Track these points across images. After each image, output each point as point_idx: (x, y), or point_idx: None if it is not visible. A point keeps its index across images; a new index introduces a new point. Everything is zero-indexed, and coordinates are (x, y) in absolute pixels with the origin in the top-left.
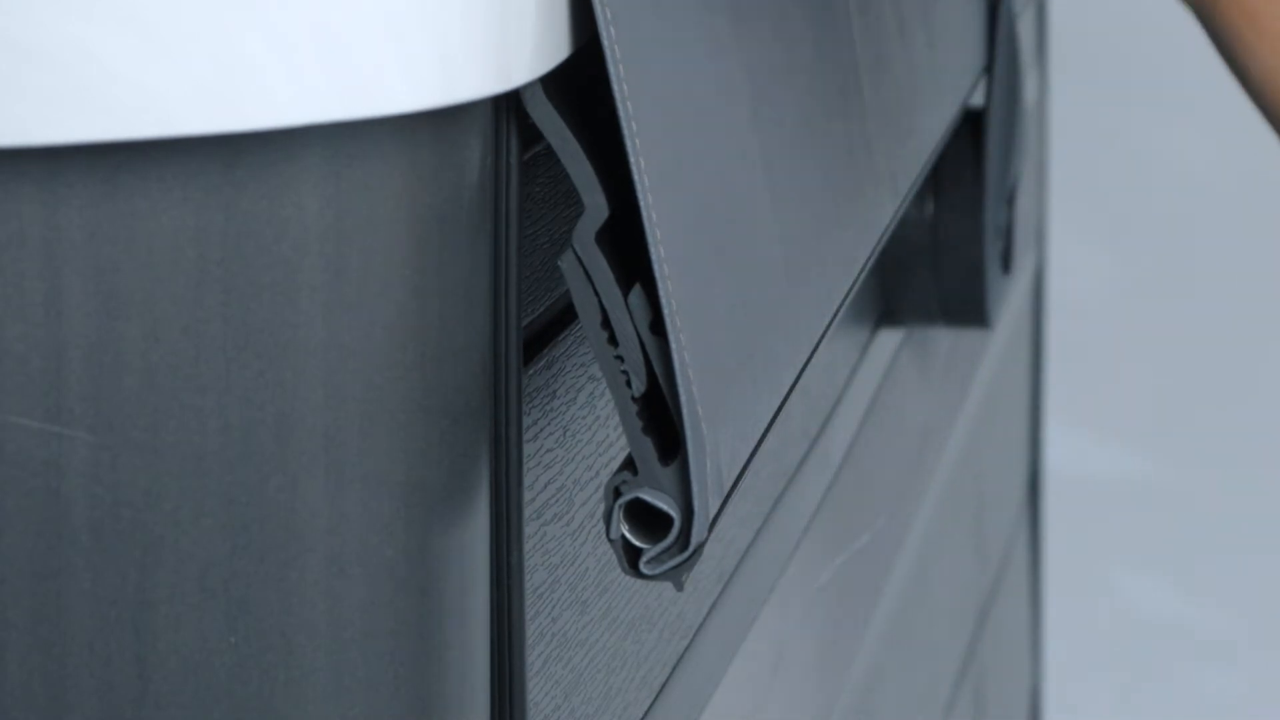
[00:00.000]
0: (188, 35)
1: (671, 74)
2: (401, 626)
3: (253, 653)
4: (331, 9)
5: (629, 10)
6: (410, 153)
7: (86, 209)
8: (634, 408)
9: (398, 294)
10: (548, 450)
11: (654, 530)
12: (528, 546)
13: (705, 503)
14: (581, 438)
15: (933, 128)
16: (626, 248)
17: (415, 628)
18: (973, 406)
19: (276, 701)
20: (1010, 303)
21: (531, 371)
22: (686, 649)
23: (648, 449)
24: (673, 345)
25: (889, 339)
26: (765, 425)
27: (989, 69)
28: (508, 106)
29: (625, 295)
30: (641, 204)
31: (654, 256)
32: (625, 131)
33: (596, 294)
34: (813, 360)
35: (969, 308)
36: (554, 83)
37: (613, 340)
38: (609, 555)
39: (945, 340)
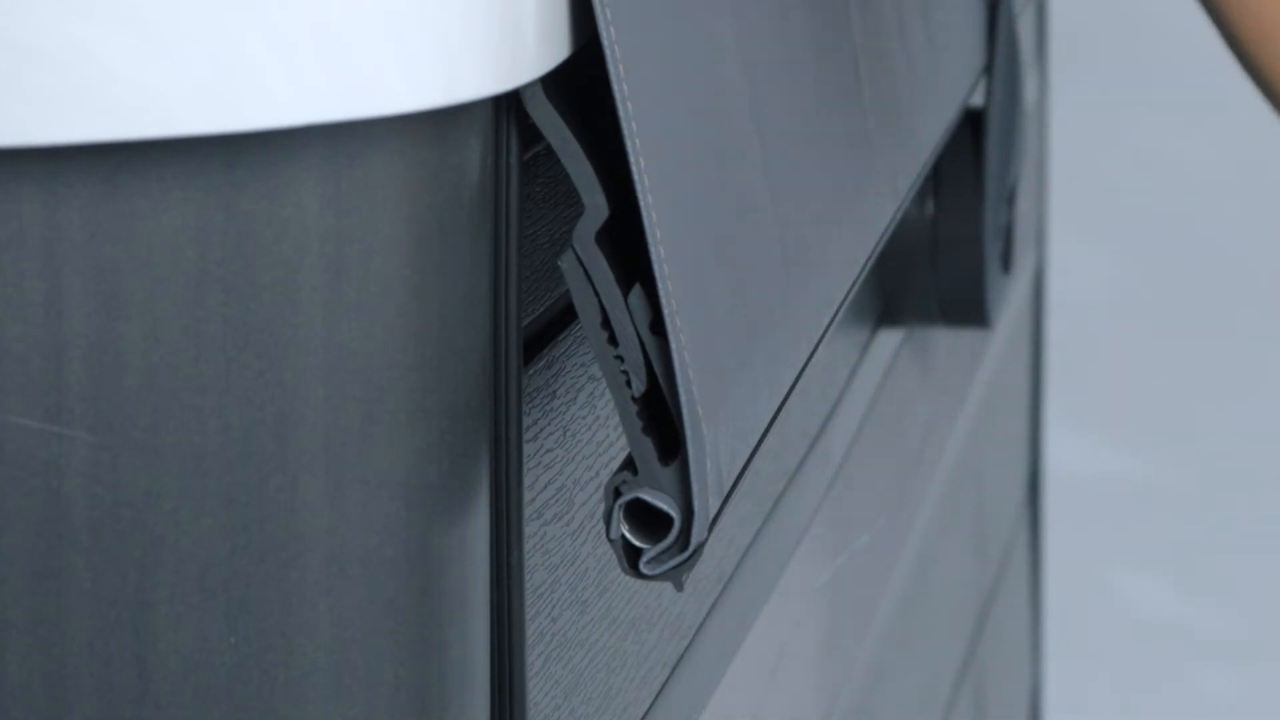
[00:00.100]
0: (188, 35)
1: (671, 74)
2: (401, 626)
3: (253, 653)
4: (331, 9)
5: (629, 10)
6: (410, 153)
7: (86, 209)
8: (634, 408)
9: (398, 294)
10: (548, 450)
11: (654, 530)
12: (528, 546)
13: (705, 503)
14: (581, 438)
15: (933, 128)
16: (626, 248)
17: (415, 628)
18: (973, 406)
19: (276, 701)
20: (1010, 303)
21: (531, 371)
22: (686, 649)
23: (648, 449)
24: (673, 345)
25: (889, 339)
26: (765, 425)
27: (989, 69)
28: (508, 106)
29: (625, 295)
30: (641, 204)
31: (654, 256)
32: (625, 131)
33: (596, 294)
34: (813, 360)
35: (969, 308)
36: (554, 83)
37: (613, 340)
38: (609, 555)
39: (945, 340)
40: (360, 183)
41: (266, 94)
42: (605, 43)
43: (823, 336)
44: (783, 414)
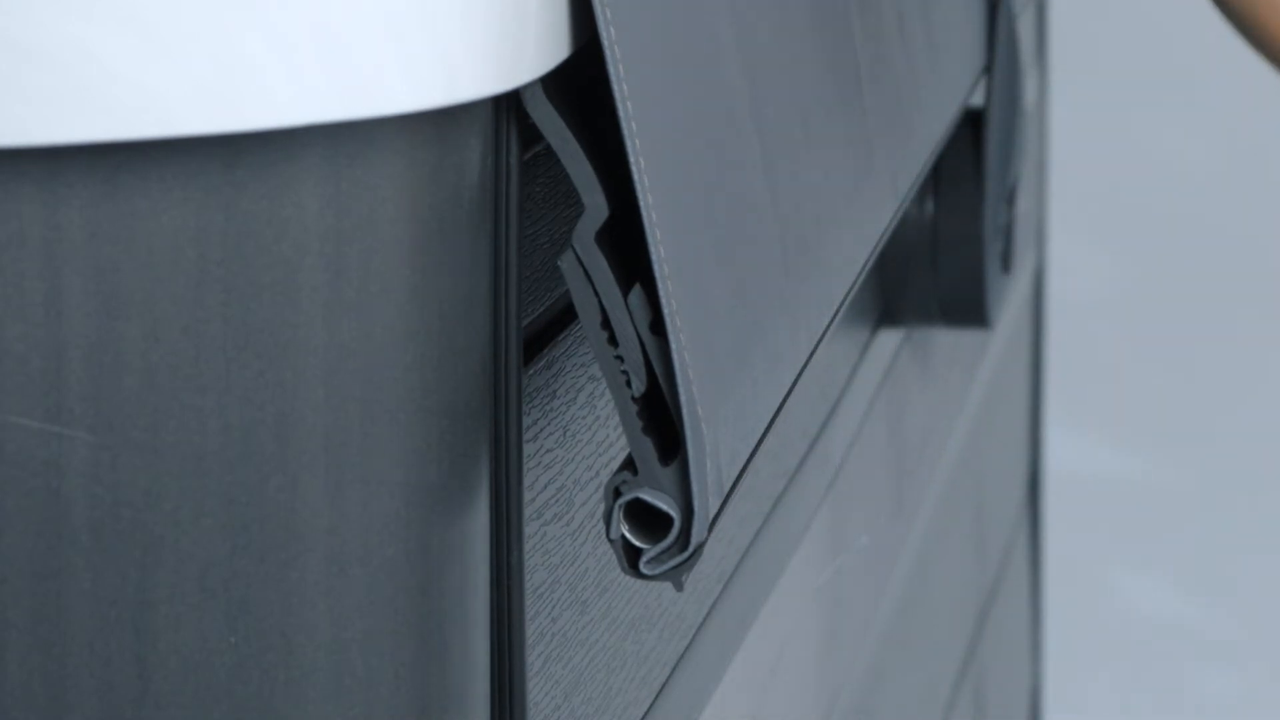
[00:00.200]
0: (188, 35)
1: (671, 74)
2: (401, 626)
3: (253, 653)
4: (331, 9)
5: (629, 10)
6: (410, 153)
7: (87, 209)
8: (634, 408)
9: (398, 294)
10: (548, 450)
11: (654, 530)
12: (528, 546)
13: (705, 503)
14: (581, 438)
15: (933, 128)
16: (626, 248)
17: (415, 628)
18: (973, 406)
19: (276, 701)
20: (1010, 303)
21: (531, 371)
22: (686, 649)
23: (648, 449)
24: (673, 345)
25: (889, 339)
26: (765, 425)
27: (989, 69)
28: (508, 106)
29: (625, 295)
30: (641, 204)
31: (654, 256)
32: (625, 131)
33: (596, 294)
34: (813, 360)
35: (969, 308)
36: (554, 83)
37: (613, 340)
38: (609, 555)
39: (945, 340)
40: (360, 183)
41: (266, 94)
42: (605, 43)
43: (823, 336)
44: (783, 414)
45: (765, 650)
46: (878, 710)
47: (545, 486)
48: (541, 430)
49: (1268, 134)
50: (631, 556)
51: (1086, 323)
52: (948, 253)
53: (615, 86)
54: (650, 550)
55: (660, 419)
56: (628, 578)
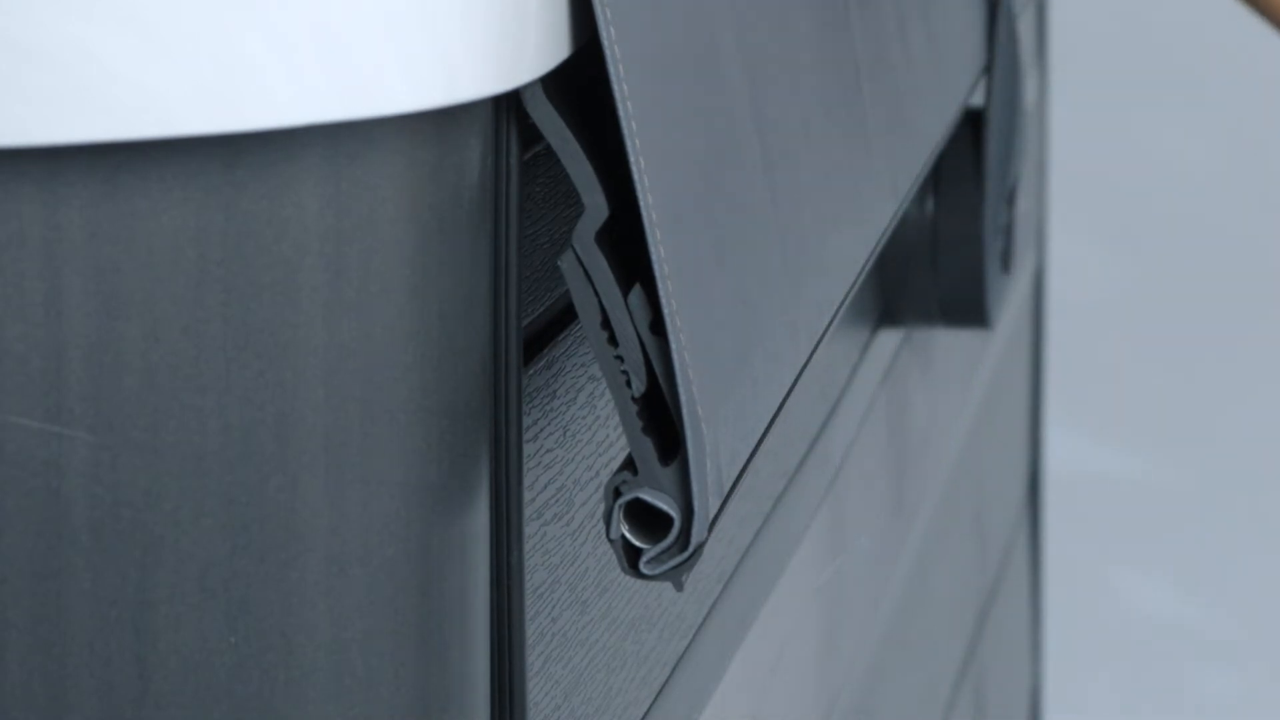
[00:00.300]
0: (188, 35)
1: (671, 74)
2: (401, 626)
3: (253, 653)
4: (331, 9)
5: (629, 10)
6: (410, 153)
7: (87, 209)
8: (634, 408)
9: (398, 294)
10: (548, 450)
11: (654, 530)
12: (528, 546)
13: (705, 503)
14: (581, 438)
15: (933, 128)
16: (626, 248)
17: (415, 628)
18: (973, 406)
19: (276, 701)
20: (1010, 303)
21: (531, 371)
22: (686, 649)
23: (648, 449)
24: (673, 345)
25: (889, 339)
26: (765, 425)
27: (989, 69)
28: (508, 106)
29: (625, 295)
30: (641, 204)
31: (654, 256)
32: (625, 131)
33: (596, 294)
34: (813, 360)
35: (969, 308)
36: (554, 83)
37: (613, 340)
38: (609, 555)
39: (945, 340)
40: (360, 183)
41: (266, 94)
42: (605, 43)
43: (823, 336)
44: (783, 414)
45: (765, 650)
46: (878, 710)
47: (545, 486)
48: (541, 430)
49: (1268, 134)
50: (631, 556)
51: (1086, 323)
52: (948, 253)
53: (615, 86)
54: (650, 550)
55: (660, 419)
56: (628, 578)
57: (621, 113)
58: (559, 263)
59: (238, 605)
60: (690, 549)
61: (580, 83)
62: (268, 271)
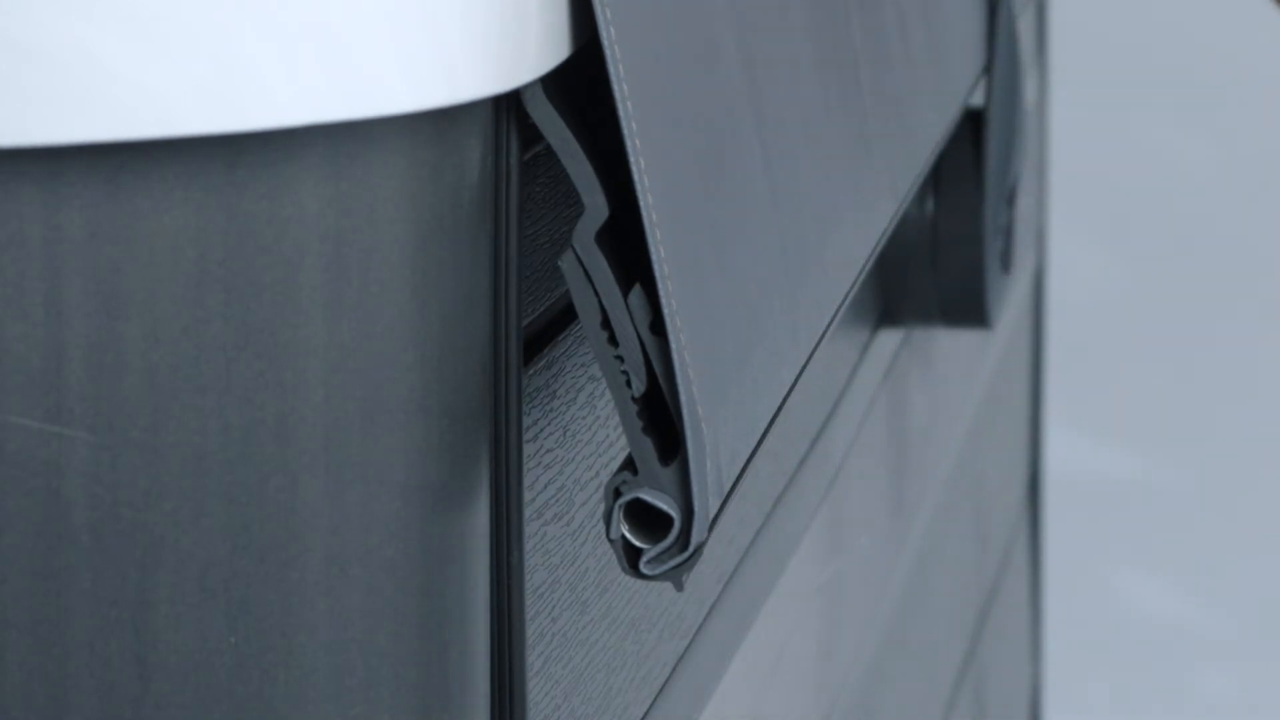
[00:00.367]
0: (188, 35)
1: (671, 74)
2: (401, 626)
3: (253, 653)
4: (331, 9)
5: (629, 10)
6: (410, 153)
7: (87, 209)
8: (634, 408)
9: (398, 294)
10: (548, 450)
11: (654, 530)
12: (528, 546)
13: (705, 503)
14: (581, 438)
15: (933, 128)
16: (626, 248)
17: (415, 628)
18: (973, 406)
19: (276, 701)
20: (1010, 303)
21: (531, 371)
22: (686, 649)
23: (648, 449)
24: (673, 345)
25: (889, 339)
26: (765, 425)
27: (989, 69)
28: (508, 106)
29: (625, 295)
30: (641, 204)
31: (654, 256)
32: (625, 131)
33: (596, 294)
34: (813, 360)
35: (969, 308)
36: (554, 83)
37: (613, 340)
38: (609, 555)
39: (945, 340)
40: (360, 183)
41: (266, 94)
42: (605, 43)
43: (823, 336)
44: (783, 414)
45: (765, 650)
46: (878, 710)
47: (545, 486)
48: (541, 430)
49: (1267, 134)
50: (631, 556)
51: (1086, 323)
52: (948, 253)
53: (615, 86)
54: (650, 550)
55: (660, 419)
56: (628, 578)
57: (621, 113)
58: (559, 263)
59: (238, 605)
60: (690, 549)
61: (580, 83)
62: (268, 271)
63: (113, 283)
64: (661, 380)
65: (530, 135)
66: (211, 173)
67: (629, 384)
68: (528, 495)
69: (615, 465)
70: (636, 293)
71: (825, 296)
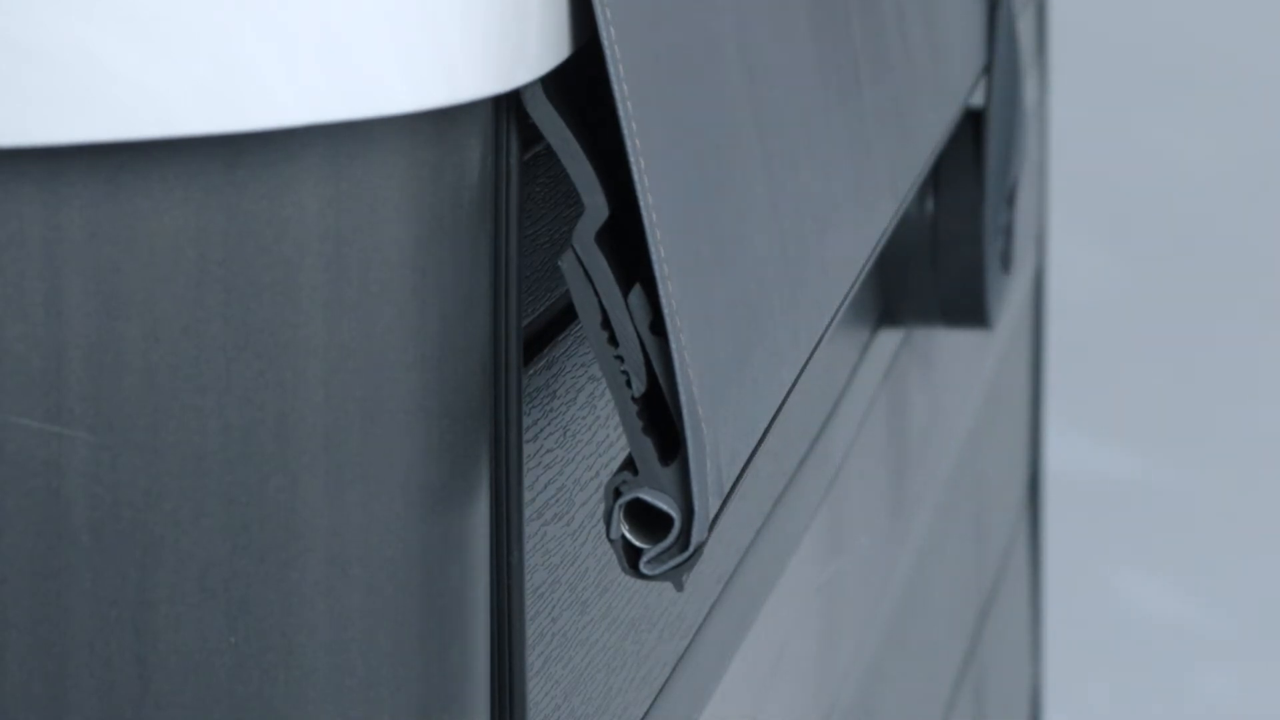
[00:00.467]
0: (188, 35)
1: (671, 74)
2: (401, 626)
3: (253, 653)
4: (331, 9)
5: (629, 10)
6: (410, 153)
7: (87, 209)
8: (634, 408)
9: (398, 294)
10: (548, 450)
11: (654, 530)
12: (528, 546)
13: (705, 503)
14: (581, 438)
15: (933, 128)
16: (626, 248)
17: (415, 628)
18: (973, 406)
19: (276, 701)
20: (1010, 303)
21: (531, 371)
22: (686, 649)
23: (648, 449)
24: (673, 345)
25: (889, 339)
26: (765, 425)
27: (989, 69)
28: (508, 106)
29: (625, 295)
30: (641, 204)
31: (654, 256)
32: (625, 131)
33: (596, 294)
34: (813, 360)
35: (969, 308)
36: (554, 83)
37: (613, 340)
38: (609, 555)
39: (945, 340)
40: (360, 183)
41: (267, 94)
42: (605, 43)
43: (823, 336)
44: (783, 414)
45: (765, 650)
46: (878, 710)
47: (545, 486)
48: (541, 430)
49: (1268, 134)
50: (632, 556)
51: (1086, 323)
52: (948, 253)
53: (615, 86)
54: (650, 550)
55: (660, 419)
56: (628, 578)
57: (621, 113)
58: (559, 263)
59: (238, 605)
60: (690, 549)
61: (580, 83)
62: (268, 271)
63: (113, 283)
64: (661, 380)
65: (530, 135)
66: (211, 173)
67: (629, 384)
68: (528, 495)
69: (615, 465)
70: (636, 293)
71: (825, 296)
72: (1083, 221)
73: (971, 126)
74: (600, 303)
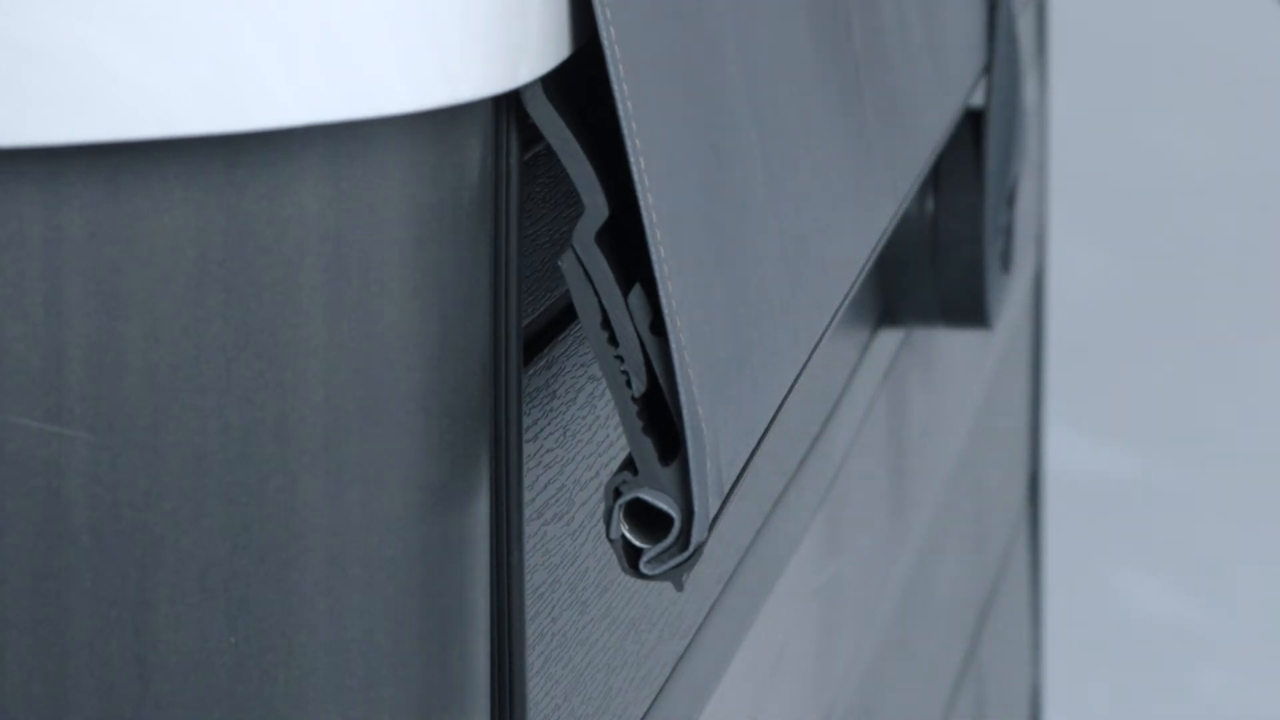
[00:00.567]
0: (188, 35)
1: (671, 74)
2: (401, 626)
3: (253, 653)
4: (332, 9)
5: (629, 10)
6: (411, 153)
7: (87, 209)
8: (634, 408)
9: (398, 294)
10: (548, 450)
11: (654, 530)
12: (528, 546)
13: (705, 503)
14: (581, 438)
15: (933, 128)
16: (626, 248)
17: (415, 628)
18: (973, 406)
19: (276, 701)
20: (1010, 303)
21: (531, 371)
22: (686, 649)
23: (648, 449)
24: (673, 345)
25: (889, 339)
26: (765, 425)
27: (989, 69)
28: (508, 106)
29: (625, 295)
30: (641, 204)
31: (654, 256)
32: (625, 131)
33: (596, 294)
34: (813, 360)
35: (969, 308)
36: (554, 83)
37: (613, 340)
38: (609, 555)
39: (945, 340)
40: (360, 183)
41: (266, 94)
42: (605, 43)
43: (823, 336)
44: (783, 414)
45: (765, 650)
46: (878, 710)
47: (545, 486)
48: (541, 430)
49: (1267, 134)
50: (632, 556)
51: (1086, 323)
52: (948, 253)
53: (615, 86)
54: (650, 550)
55: (660, 419)
56: (628, 578)
57: (621, 113)
58: (559, 263)
59: (238, 605)
60: (690, 549)
61: (580, 83)
62: (268, 271)
63: (113, 283)
64: (661, 380)
65: (530, 135)
66: (211, 173)
67: (629, 384)
68: (528, 495)
69: (615, 465)
70: (636, 293)
71: (825, 296)
72: (1083, 221)
73: (971, 126)
74: (600, 303)
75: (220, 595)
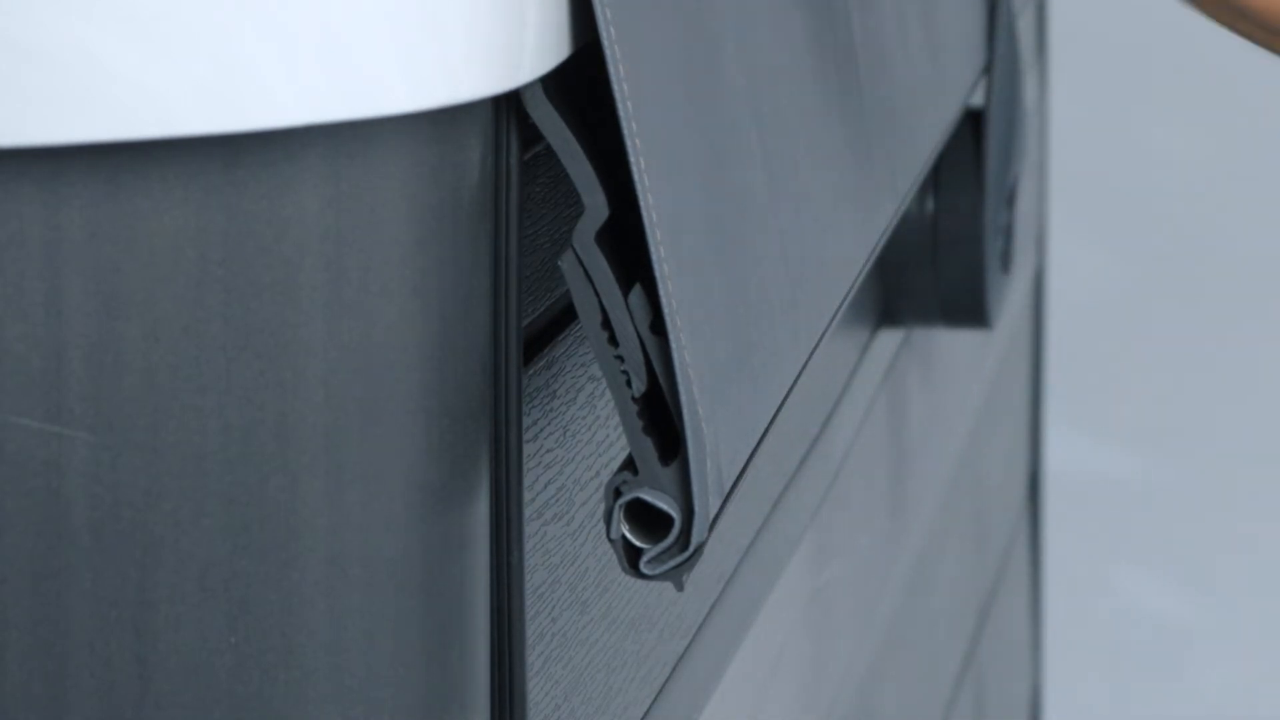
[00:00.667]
0: (188, 35)
1: (671, 74)
2: (401, 626)
3: (253, 653)
4: (332, 9)
5: (629, 10)
6: (411, 153)
7: (87, 209)
8: (634, 408)
9: (398, 294)
10: (548, 450)
11: (654, 530)
12: (528, 546)
13: (705, 503)
14: (581, 438)
15: (933, 128)
16: (626, 248)
17: (415, 628)
18: (973, 406)
19: (276, 701)
20: (1010, 303)
21: (531, 371)
22: (686, 649)
23: (648, 449)
24: (673, 345)
25: (889, 339)
26: (765, 425)
27: (989, 69)
28: (508, 106)
29: (625, 295)
30: (641, 204)
31: (654, 256)
32: (625, 131)
33: (596, 294)
34: (813, 360)
35: (969, 308)
36: (554, 83)
37: (613, 340)
38: (609, 555)
39: (945, 340)
40: (360, 183)
41: (266, 94)
42: (605, 43)
43: (823, 336)
44: (783, 414)
45: (765, 650)
46: (878, 710)
47: (545, 486)
48: (541, 430)
49: (1267, 134)
50: (632, 556)
51: (1086, 323)
52: (948, 253)
53: (615, 86)
54: (651, 550)
55: (660, 419)
56: (628, 578)
57: (621, 113)
58: (559, 263)
59: (238, 605)
60: (690, 549)
61: (580, 83)
62: (268, 271)
63: (113, 283)
64: (661, 380)
65: (530, 135)
66: (211, 173)
67: (629, 384)
68: (528, 495)
69: (615, 465)
70: (636, 293)
71: (825, 296)
72: (1083, 221)
73: (971, 126)
74: (600, 303)
75: (220, 595)
